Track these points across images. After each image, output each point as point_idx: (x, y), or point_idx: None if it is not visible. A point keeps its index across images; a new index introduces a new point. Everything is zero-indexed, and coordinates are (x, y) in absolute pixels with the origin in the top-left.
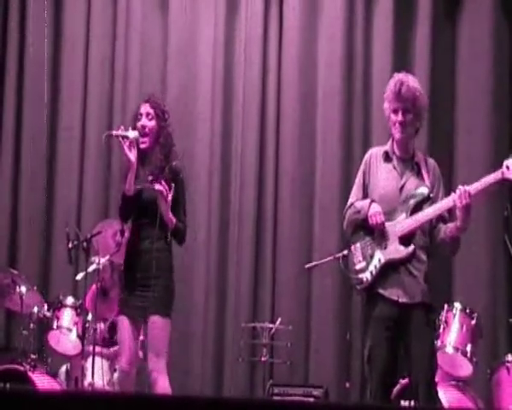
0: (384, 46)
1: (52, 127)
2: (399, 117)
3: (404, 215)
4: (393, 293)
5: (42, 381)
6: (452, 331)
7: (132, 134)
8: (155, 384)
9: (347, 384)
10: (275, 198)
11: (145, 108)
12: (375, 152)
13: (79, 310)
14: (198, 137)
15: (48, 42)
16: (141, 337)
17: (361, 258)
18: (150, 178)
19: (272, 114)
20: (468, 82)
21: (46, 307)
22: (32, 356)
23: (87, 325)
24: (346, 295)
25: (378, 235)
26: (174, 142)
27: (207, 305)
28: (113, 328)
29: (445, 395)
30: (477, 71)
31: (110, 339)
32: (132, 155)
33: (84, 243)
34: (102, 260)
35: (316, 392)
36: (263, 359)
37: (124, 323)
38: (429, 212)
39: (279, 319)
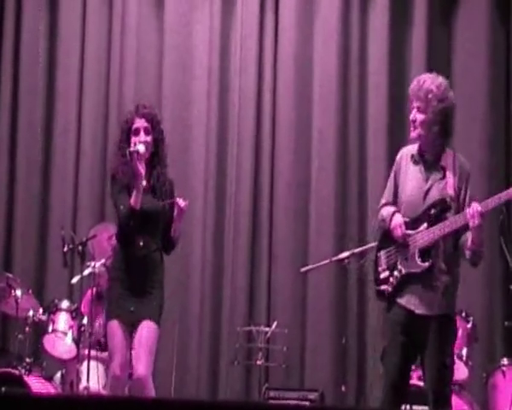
0: (380, 47)
1: (47, 130)
2: (411, 115)
3: (425, 225)
4: (410, 303)
5: (37, 385)
6: None
7: (142, 148)
8: (144, 388)
9: (343, 388)
10: (270, 202)
11: (142, 123)
12: (406, 152)
13: (75, 314)
14: (193, 138)
15: (43, 42)
16: None
17: (385, 266)
18: (162, 202)
19: (268, 115)
20: (463, 82)
21: (41, 310)
22: (28, 360)
23: (82, 328)
24: (342, 299)
25: (401, 245)
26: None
27: (203, 308)
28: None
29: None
30: (473, 71)
31: (106, 343)
32: (142, 169)
33: (80, 247)
34: (98, 264)
35: (311, 396)
36: (258, 362)
37: (116, 328)
38: (445, 226)
39: (275, 323)
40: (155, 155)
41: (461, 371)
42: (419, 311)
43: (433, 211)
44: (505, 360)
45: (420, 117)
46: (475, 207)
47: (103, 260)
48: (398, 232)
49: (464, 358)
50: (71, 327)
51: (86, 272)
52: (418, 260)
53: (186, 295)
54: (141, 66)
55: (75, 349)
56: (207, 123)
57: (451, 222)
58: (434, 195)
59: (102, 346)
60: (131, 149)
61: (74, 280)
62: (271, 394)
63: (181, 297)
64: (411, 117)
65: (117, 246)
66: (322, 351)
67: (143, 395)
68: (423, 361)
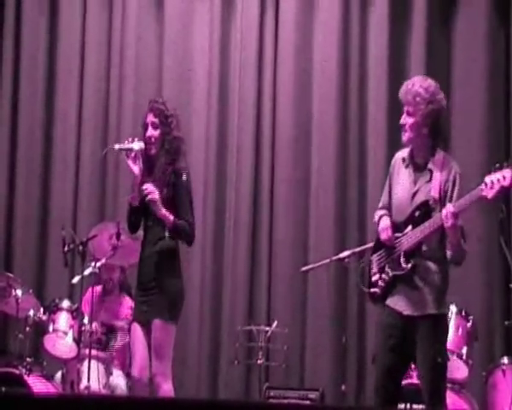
0: (380, 44)
1: (47, 131)
2: (401, 119)
3: (410, 227)
4: (398, 305)
5: (37, 384)
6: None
7: (137, 145)
8: (158, 389)
9: (343, 387)
10: (270, 201)
11: (150, 118)
12: (399, 156)
13: (75, 313)
14: (193, 137)
15: (43, 44)
16: None
17: (376, 270)
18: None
19: (268, 113)
20: (463, 85)
21: (42, 310)
22: (28, 360)
23: (83, 328)
24: (342, 299)
25: (389, 248)
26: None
27: (203, 307)
28: (109, 331)
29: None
30: (472, 74)
31: (106, 343)
32: (136, 168)
33: (80, 247)
34: (98, 264)
35: (312, 395)
36: (259, 361)
37: (134, 329)
38: (425, 228)
39: (275, 322)
40: (162, 149)
41: (461, 370)
42: (407, 312)
43: (417, 213)
44: (505, 359)
45: (409, 120)
46: (448, 208)
47: (104, 260)
48: (385, 235)
49: (464, 357)
50: (71, 327)
51: (87, 271)
52: (402, 262)
53: (186, 295)
54: (141, 65)
55: (76, 349)
56: (207, 121)
57: (430, 224)
58: (420, 197)
59: (103, 345)
60: (116, 146)
61: (75, 280)
62: (272, 393)
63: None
64: (401, 121)
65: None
66: (322, 350)
67: (158, 394)
68: (416, 361)
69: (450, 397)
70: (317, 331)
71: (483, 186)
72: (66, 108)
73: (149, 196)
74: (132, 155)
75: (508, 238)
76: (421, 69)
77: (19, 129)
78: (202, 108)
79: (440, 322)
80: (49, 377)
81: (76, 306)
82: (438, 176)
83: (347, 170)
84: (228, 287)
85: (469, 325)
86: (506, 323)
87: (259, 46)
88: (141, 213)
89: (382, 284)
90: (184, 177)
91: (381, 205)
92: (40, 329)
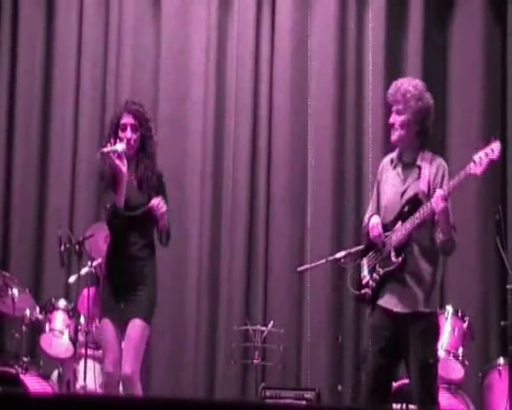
0: (376, 48)
1: (44, 131)
2: (390, 119)
3: (399, 223)
4: (388, 302)
5: (34, 384)
6: (444, 335)
7: (120, 147)
8: (134, 387)
9: (339, 387)
10: (267, 201)
11: (129, 119)
12: (386, 160)
13: (72, 313)
14: (190, 135)
15: (40, 42)
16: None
17: (366, 272)
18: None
19: (265, 112)
20: (459, 84)
21: (38, 309)
22: (24, 359)
23: (79, 327)
24: (339, 298)
25: (379, 247)
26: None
27: (200, 307)
28: None
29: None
30: (468, 74)
31: None
32: (123, 166)
33: (77, 246)
34: (95, 264)
35: (308, 395)
36: (255, 361)
37: (108, 326)
38: (415, 218)
39: (271, 322)
40: (141, 151)
41: (457, 371)
42: (397, 309)
43: (406, 208)
44: (501, 360)
45: (399, 118)
46: (438, 192)
47: (100, 260)
48: (375, 232)
49: (460, 357)
50: (68, 326)
51: (83, 271)
52: (393, 257)
53: (182, 295)
54: (138, 63)
55: (72, 348)
56: (204, 121)
57: (420, 213)
58: (410, 194)
59: (99, 345)
60: (105, 149)
61: (71, 279)
62: (268, 393)
63: (177, 296)
64: (390, 121)
65: (108, 246)
66: (318, 350)
67: (130, 393)
68: (407, 361)
69: (447, 398)
70: (313, 331)
71: (471, 164)
72: (62, 108)
73: (162, 210)
74: (116, 155)
75: (504, 239)
76: (418, 68)
77: (15, 128)
78: (199, 107)
79: (431, 321)
80: (46, 377)
81: (72, 305)
82: (426, 172)
83: (344, 170)
84: (224, 287)
85: (465, 325)
86: (502, 323)
87: (256, 45)
88: (123, 216)
89: (373, 285)
90: (163, 179)
91: (369, 210)
92: (36, 328)
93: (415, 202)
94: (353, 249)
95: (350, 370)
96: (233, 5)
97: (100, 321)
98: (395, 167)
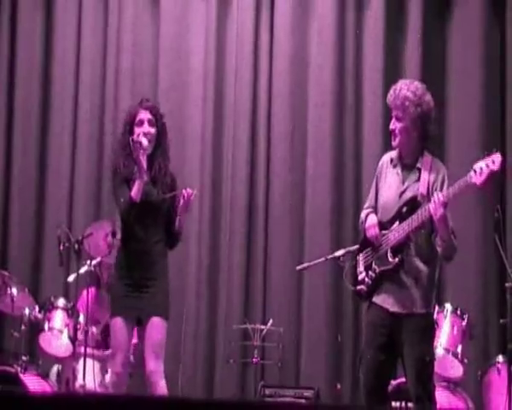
0: (376, 43)
1: (43, 129)
2: (390, 125)
3: (397, 223)
4: (385, 302)
5: (33, 383)
6: (443, 332)
7: (145, 142)
8: (156, 386)
9: (338, 386)
10: (266, 200)
11: (146, 115)
12: (386, 158)
13: (71, 312)
14: (188, 137)
15: (39, 45)
16: (133, 340)
17: (362, 268)
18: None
19: (263, 113)
20: (458, 84)
21: (37, 308)
22: (23, 358)
23: (78, 326)
24: (338, 297)
25: (375, 245)
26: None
27: (199, 306)
28: (105, 330)
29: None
30: (468, 73)
31: (102, 341)
32: (144, 161)
33: (76, 245)
34: (94, 262)
35: (307, 393)
36: (254, 360)
37: (119, 325)
38: (413, 220)
39: (270, 321)
40: (158, 148)
41: (456, 369)
42: (393, 309)
43: (404, 209)
44: (500, 358)
45: (399, 125)
46: (438, 196)
47: (99, 259)
48: (372, 232)
49: (459, 355)
50: (67, 325)
51: (82, 270)
52: (390, 257)
53: (182, 293)
54: (137, 63)
55: (71, 347)
56: (203, 122)
57: (418, 215)
58: (408, 196)
59: (98, 344)
60: (135, 138)
61: (70, 278)
62: (267, 391)
63: (176, 295)
64: (391, 127)
65: (120, 242)
66: (317, 349)
67: (155, 391)
68: (403, 359)
69: (446, 396)
70: (312, 330)
71: (472, 173)
72: (61, 108)
73: (192, 199)
74: (142, 150)
75: (503, 237)
76: (416, 69)
77: (14, 128)
78: (198, 108)
79: (427, 321)
80: (45, 376)
81: (71, 304)
82: (426, 175)
83: (343, 169)
84: (223, 286)
85: (464, 323)
86: (501, 321)
87: (255, 45)
88: (139, 211)
89: (369, 282)
90: (177, 184)
91: (366, 205)
92: (35, 327)
93: (413, 204)
94: (352, 247)
95: (349, 368)
96: (232, 5)
97: (110, 320)
98: (395, 167)
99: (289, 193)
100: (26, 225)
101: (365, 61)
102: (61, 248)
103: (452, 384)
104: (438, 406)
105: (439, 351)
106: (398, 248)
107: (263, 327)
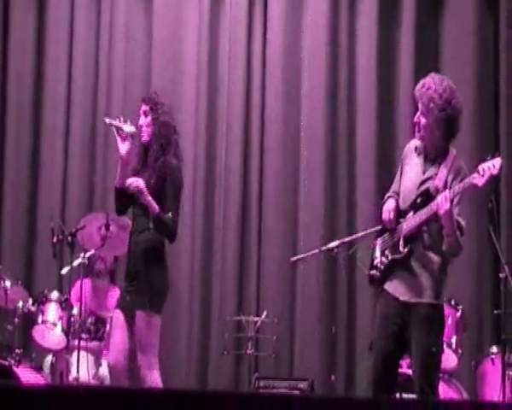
0: (369, 38)
1: (36, 123)
2: (415, 116)
3: (412, 213)
4: (396, 290)
5: (27, 376)
6: None
7: (128, 128)
8: (144, 380)
9: (333, 377)
10: (259, 191)
11: (142, 108)
12: (412, 144)
13: (64, 305)
14: (182, 133)
15: (31, 43)
16: None
17: (378, 253)
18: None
19: (257, 109)
20: (452, 77)
21: (31, 301)
22: (17, 351)
23: (72, 319)
24: (332, 289)
25: (392, 232)
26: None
27: (192, 298)
28: (98, 322)
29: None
30: (461, 66)
31: (96, 333)
32: (124, 148)
33: (69, 238)
34: (87, 255)
35: (301, 385)
36: (248, 352)
37: (116, 317)
38: (422, 213)
39: (264, 313)
40: (154, 136)
41: (450, 360)
42: (403, 298)
43: (419, 200)
44: (494, 349)
45: (423, 121)
46: (445, 192)
47: (93, 251)
48: (386, 216)
49: (453, 346)
50: (60, 318)
51: (76, 262)
52: (401, 246)
53: (175, 285)
54: (129, 61)
55: (65, 340)
56: (196, 118)
57: (427, 209)
58: (425, 187)
59: (92, 336)
60: (109, 120)
61: (64, 271)
62: (261, 383)
63: (170, 287)
64: (415, 118)
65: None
66: (311, 340)
67: (144, 385)
68: (410, 349)
69: (440, 386)
70: (306, 321)
71: (475, 174)
72: (54, 103)
73: (133, 185)
74: (123, 135)
75: (496, 228)
76: (410, 62)
77: (7, 120)
78: (191, 105)
79: (437, 312)
80: (38, 369)
81: (65, 297)
82: (445, 171)
83: (336, 160)
84: (217, 277)
85: (459, 314)
86: (495, 312)
87: (248, 42)
88: (128, 197)
89: (381, 267)
90: (176, 174)
91: (392, 190)
92: (29, 320)
93: (427, 196)
94: (347, 239)
95: (343, 360)
96: (225, 3)
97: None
98: (419, 155)
99: (283, 185)
100: (19, 217)
101: (359, 55)
102: (55, 240)
103: (446, 375)
104: None
105: None
106: (409, 238)
107: (257, 319)
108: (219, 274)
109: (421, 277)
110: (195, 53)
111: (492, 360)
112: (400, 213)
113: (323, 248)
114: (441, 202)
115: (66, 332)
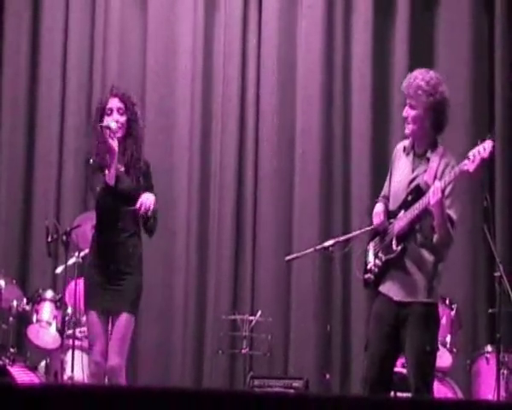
0: (364, 35)
1: (30, 120)
2: (404, 112)
3: (402, 212)
4: (390, 290)
5: (21, 375)
6: None
7: (114, 124)
8: (116, 378)
9: (327, 376)
10: (254, 190)
11: (115, 103)
12: (400, 146)
13: (59, 304)
14: (177, 132)
15: (26, 42)
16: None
17: (371, 256)
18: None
19: (251, 109)
20: (446, 72)
21: (25, 300)
22: (11, 350)
23: (67, 318)
24: (327, 288)
25: (383, 234)
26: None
27: (188, 297)
28: None
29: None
30: (456, 61)
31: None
32: (115, 143)
33: (64, 237)
34: (82, 254)
35: (296, 384)
36: (243, 351)
37: (94, 318)
38: (414, 208)
39: (259, 311)
40: (129, 136)
41: (444, 358)
42: (398, 298)
43: (409, 198)
44: (489, 347)
45: (412, 113)
46: (436, 183)
47: (87, 250)
48: (377, 220)
49: (448, 345)
50: (55, 317)
51: (70, 261)
52: (394, 245)
53: (170, 284)
54: (124, 62)
55: (59, 339)
56: (191, 116)
57: (419, 204)
58: (415, 184)
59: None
60: (103, 124)
61: (58, 270)
62: (256, 382)
63: (165, 286)
64: (404, 114)
65: (95, 233)
66: (306, 339)
67: (115, 384)
68: (405, 349)
69: (434, 385)
70: (301, 320)
71: (466, 161)
72: (49, 101)
73: (149, 206)
74: (112, 133)
75: (491, 227)
76: (405, 56)
77: (2, 119)
78: (186, 102)
79: (431, 311)
80: (33, 368)
81: (60, 296)
82: (434, 165)
83: (331, 159)
84: (212, 276)
85: (453, 313)
86: (490, 311)
87: (243, 42)
88: (113, 194)
89: (376, 270)
90: (151, 169)
91: (382, 194)
92: (24, 319)
93: (418, 193)
94: (342, 238)
95: (338, 359)
96: (219, 3)
97: (85, 313)
98: (407, 155)
99: (278, 184)
100: (13, 216)
101: (354, 52)
102: (49, 239)
103: (441, 374)
104: None
105: None
106: (402, 237)
107: (252, 318)
108: (214, 273)
109: (415, 275)
110: (190, 51)
111: (487, 358)
112: (391, 215)
113: (318, 247)
114: (433, 193)
115: (61, 331)
